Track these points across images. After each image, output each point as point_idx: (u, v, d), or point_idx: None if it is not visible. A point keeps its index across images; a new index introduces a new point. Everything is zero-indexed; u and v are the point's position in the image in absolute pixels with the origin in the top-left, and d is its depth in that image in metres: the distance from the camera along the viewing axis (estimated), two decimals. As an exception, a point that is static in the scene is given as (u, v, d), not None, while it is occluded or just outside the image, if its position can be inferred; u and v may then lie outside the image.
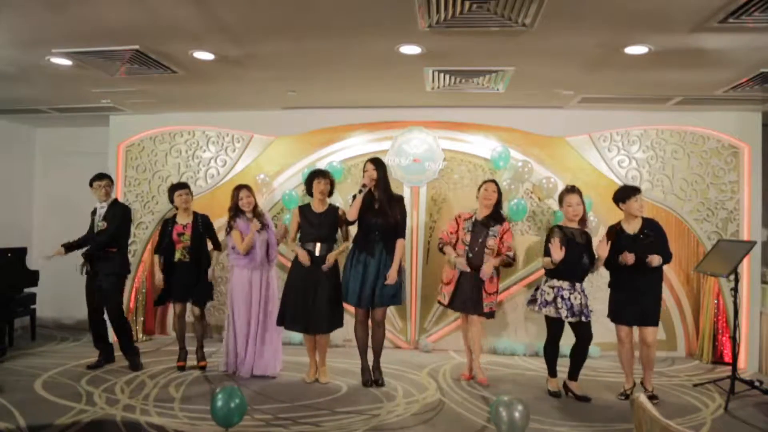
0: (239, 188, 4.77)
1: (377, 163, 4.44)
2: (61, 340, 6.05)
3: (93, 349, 5.01)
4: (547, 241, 4.22)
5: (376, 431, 3.55)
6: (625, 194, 4.24)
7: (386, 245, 4.37)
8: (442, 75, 4.55)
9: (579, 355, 4.23)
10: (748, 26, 3.30)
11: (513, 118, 5.73)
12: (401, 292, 4.47)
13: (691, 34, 3.46)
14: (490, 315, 4.53)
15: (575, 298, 4.13)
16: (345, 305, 4.51)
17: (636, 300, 4.12)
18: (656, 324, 4.15)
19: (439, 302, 4.69)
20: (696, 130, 5.56)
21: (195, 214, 4.94)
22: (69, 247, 4.87)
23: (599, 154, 5.69)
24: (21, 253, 5.96)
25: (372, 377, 4.46)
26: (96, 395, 4.09)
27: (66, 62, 4.24)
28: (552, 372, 4.33)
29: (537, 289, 4.35)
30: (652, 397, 4.10)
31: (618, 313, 4.23)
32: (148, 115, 6.12)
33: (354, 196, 4.47)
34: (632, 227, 4.21)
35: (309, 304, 4.36)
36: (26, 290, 5.90)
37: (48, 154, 7.02)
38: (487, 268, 4.42)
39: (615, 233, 4.24)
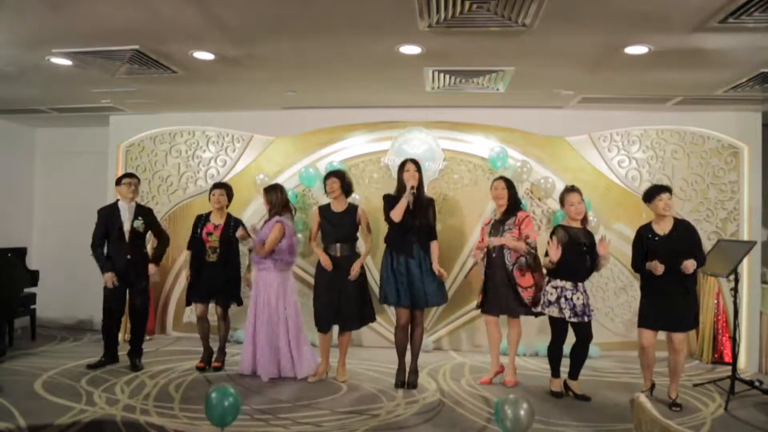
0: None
1: (419, 164, 4.45)
2: (61, 340, 6.04)
3: (93, 349, 5.01)
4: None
5: (376, 431, 3.55)
6: (650, 194, 4.07)
7: (422, 246, 4.39)
8: (442, 75, 4.55)
9: (579, 354, 4.23)
10: (748, 26, 3.30)
11: (513, 118, 5.72)
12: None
13: (691, 34, 3.46)
14: (533, 313, 4.41)
15: (578, 298, 4.13)
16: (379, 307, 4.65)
17: (669, 304, 3.92)
18: (691, 329, 4.02)
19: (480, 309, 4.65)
20: (696, 130, 5.56)
21: (229, 215, 4.91)
22: (158, 258, 5.02)
23: (599, 154, 5.68)
24: (21, 253, 5.96)
25: (407, 379, 4.44)
26: (96, 395, 4.08)
27: (66, 62, 4.24)
28: (555, 372, 4.32)
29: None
30: (674, 405, 3.97)
31: (648, 318, 4.01)
32: (148, 115, 6.12)
33: (387, 196, 4.45)
34: (662, 228, 4.03)
35: (338, 303, 4.42)
36: (26, 290, 5.89)
37: (48, 154, 7.01)
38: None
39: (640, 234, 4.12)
